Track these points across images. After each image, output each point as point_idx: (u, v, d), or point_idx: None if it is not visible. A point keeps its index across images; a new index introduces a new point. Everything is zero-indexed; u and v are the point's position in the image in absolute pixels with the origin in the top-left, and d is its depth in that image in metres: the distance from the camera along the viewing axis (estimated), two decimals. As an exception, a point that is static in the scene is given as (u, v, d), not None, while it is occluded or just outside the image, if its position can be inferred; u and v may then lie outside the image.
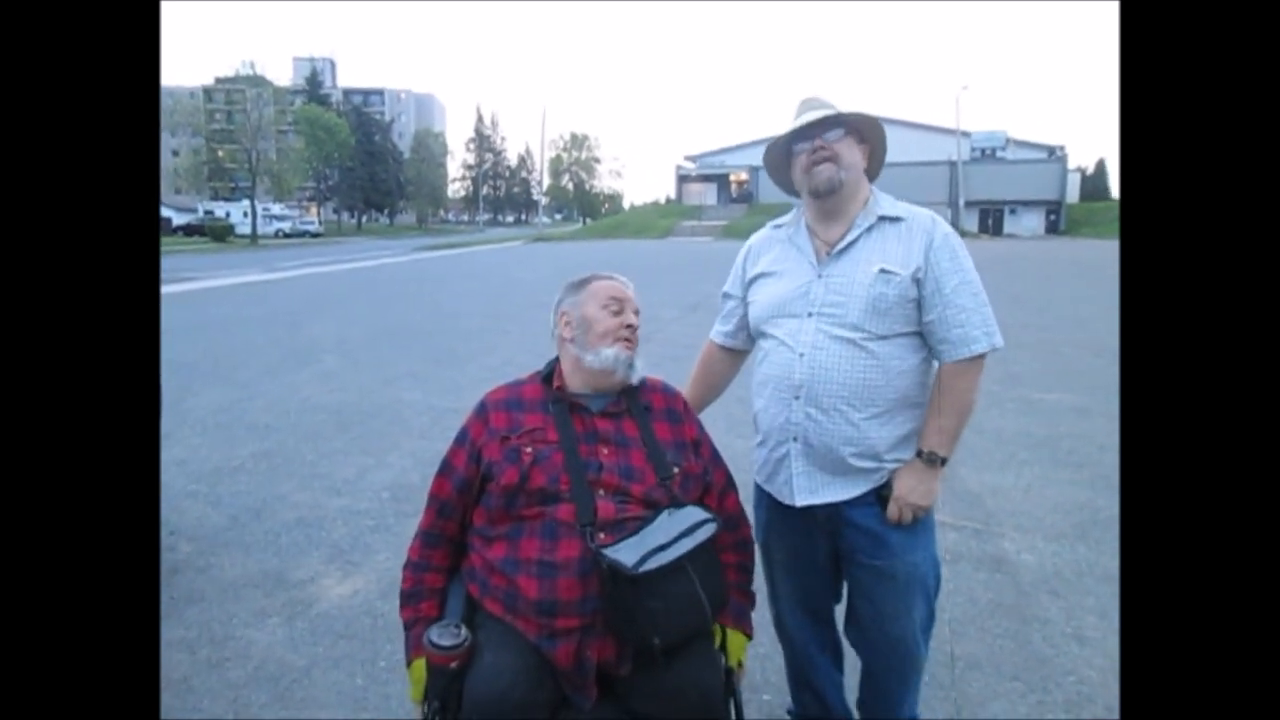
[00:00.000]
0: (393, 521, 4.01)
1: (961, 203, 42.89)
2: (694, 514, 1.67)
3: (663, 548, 1.56)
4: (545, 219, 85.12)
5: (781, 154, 1.96)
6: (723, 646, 1.77)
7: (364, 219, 73.47)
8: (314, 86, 65.03)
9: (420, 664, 1.69)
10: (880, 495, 1.84)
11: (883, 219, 1.86)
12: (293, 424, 5.84)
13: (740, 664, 1.81)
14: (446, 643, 1.57)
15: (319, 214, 66.87)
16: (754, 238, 2.08)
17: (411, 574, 1.79)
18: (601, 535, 1.61)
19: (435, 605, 1.76)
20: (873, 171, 1.95)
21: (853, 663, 2.11)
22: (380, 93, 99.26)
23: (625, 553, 1.55)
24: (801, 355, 1.82)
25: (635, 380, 1.82)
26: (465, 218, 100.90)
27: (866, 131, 1.91)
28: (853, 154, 1.87)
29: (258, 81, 49.09)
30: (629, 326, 1.82)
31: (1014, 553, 3.58)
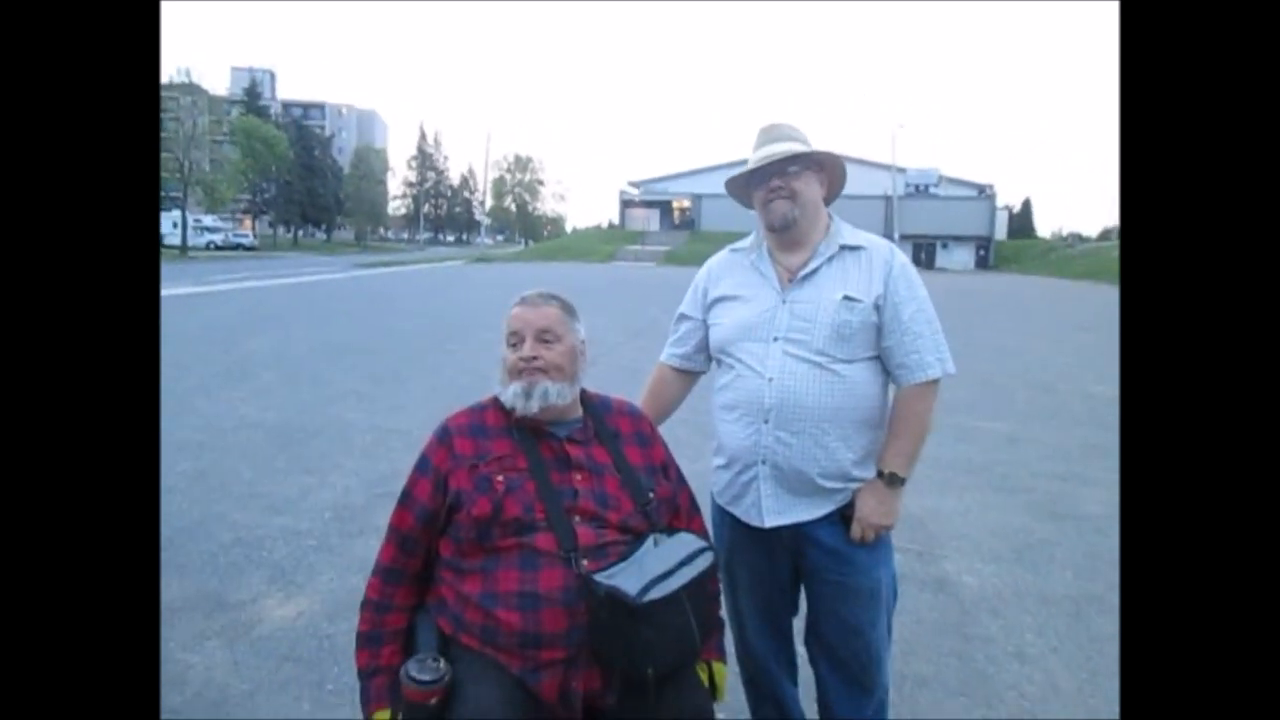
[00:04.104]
0: (336, 541, 3.92)
1: (896, 236, 44.18)
2: (689, 542, 1.63)
3: (664, 577, 1.51)
4: (486, 239, 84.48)
5: (742, 179, 2.00)
6: (711, 680, 1.73)
7: (300, 234, 71.79)
8: (252, 97, 63.23)
9: (383, 715, 1.59)
10: (843, 515, 1.89)
11: (844, 248, 1.92)
12: (228, 442, 5.65)
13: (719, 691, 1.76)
14: (426, 677, 1.46)
15: (254, 227, 65.05)
16: (713, 260, 2.10)
17: (372, 615, 1.67)
18: (585, 562, 1.55)
19: (397, 650, 1.64)
20: (830, 199, 2.00)
21: (806, 678, 2.15)
22: (321, 107, 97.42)
23: (624, 580, 1.49)
24: (770, 380, 1.85)
25: (538, 407, 1.69)
26: (405, 236, 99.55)
27: (825, 161, 1.96)
28: (810, 188, 1.92)
29: (192, 89, 47.57)
30: (527, 359, 1.72)
31: (955, 574, 3.69)
